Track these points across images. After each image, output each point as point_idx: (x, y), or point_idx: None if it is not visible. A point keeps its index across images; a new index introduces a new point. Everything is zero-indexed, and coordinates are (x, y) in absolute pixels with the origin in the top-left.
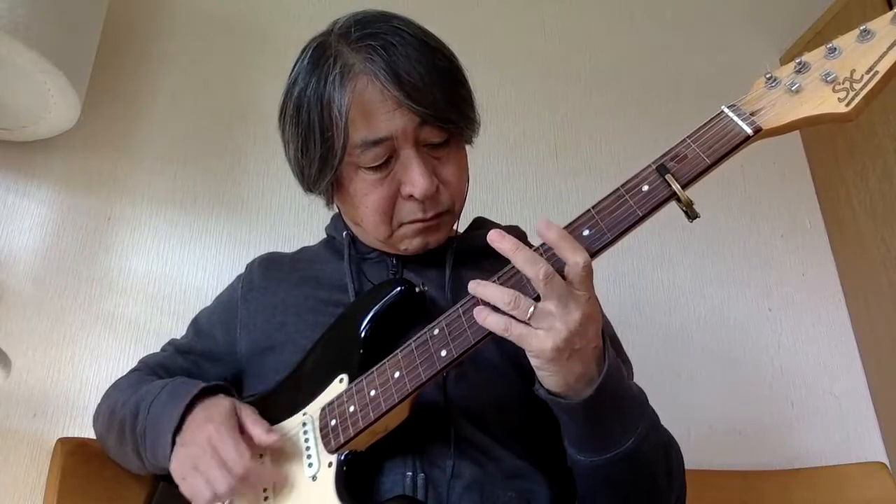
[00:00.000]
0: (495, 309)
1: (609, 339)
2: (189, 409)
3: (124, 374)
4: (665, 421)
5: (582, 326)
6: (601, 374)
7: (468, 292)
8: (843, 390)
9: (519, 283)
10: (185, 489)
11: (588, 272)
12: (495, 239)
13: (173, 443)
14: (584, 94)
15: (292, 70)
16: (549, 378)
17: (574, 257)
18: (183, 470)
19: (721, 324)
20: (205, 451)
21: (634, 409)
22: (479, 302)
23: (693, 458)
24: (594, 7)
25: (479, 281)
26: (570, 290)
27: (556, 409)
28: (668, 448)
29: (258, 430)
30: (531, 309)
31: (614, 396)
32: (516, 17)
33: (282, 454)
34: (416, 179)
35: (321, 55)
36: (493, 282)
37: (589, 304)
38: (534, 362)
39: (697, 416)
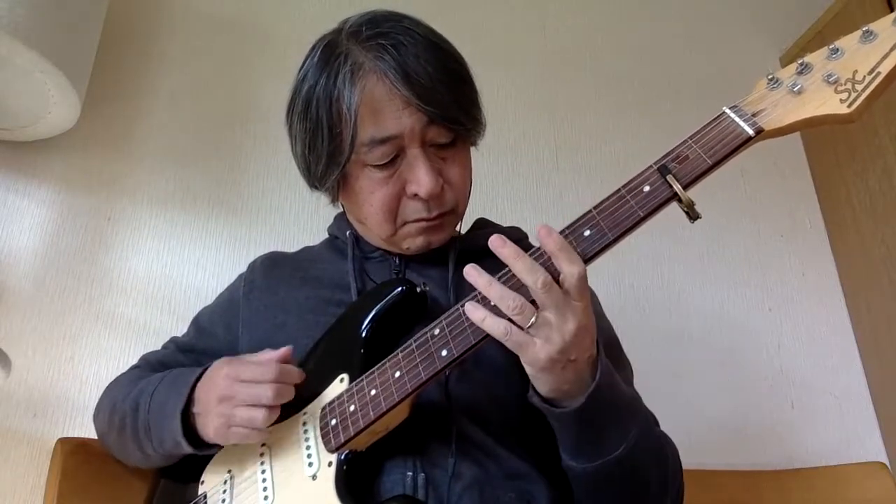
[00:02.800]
0: (493, 309)
1: (608, 343)
2: (193, 391)
3: (125, 371)
4: (665, 421)
5: (577, 337)
6: (592, 383)
7: (469, 292)
8: (843, 390)
9: (515, 287)
10: (237, 433)
11: (584, 282)
12: (497, 245)
13: (184, 424)
14: (584, 94)
15: (301, 67)
16: (542, 385)
17: (570, 268)
18: (223, 421)
19: (721, 324)
20: (230, 387)
21: (625, 417)
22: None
23: (693, 458)
24: (594, 7)
25: (480, 271)
26: (567, 300)
27: (549, 417)
28: (661, 452)
29: (262, 355)
30: (534, 318)
31: (605, 404)
32: (516, 17)
33: (282, 453)
34: (421, 179)
35: (331, 53)
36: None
37: (584, 314)
38: (528, 370)
39: (697, 415)
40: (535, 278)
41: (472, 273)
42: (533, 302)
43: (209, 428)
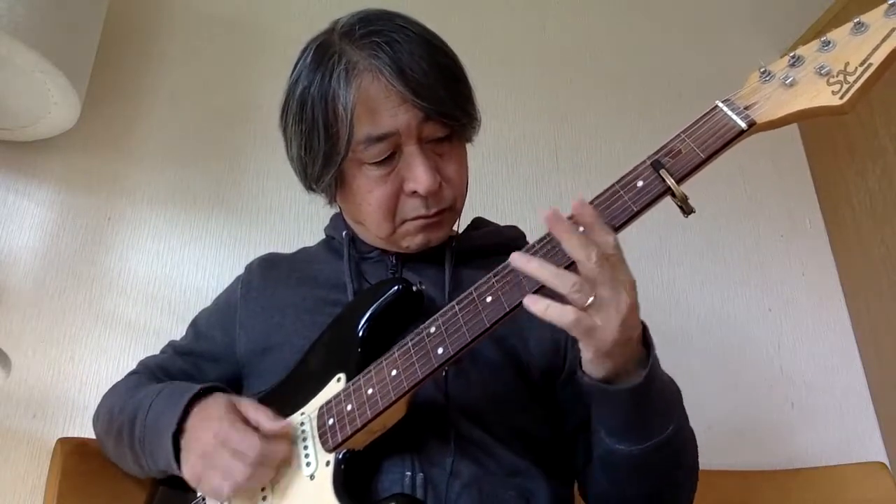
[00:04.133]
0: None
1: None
2: (187, 413)
3: (123, 376)
4: None
5: (631, 312)
6: (648, 359)
7: (466, 291)
8: (843, 390)
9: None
10: (204, 490)
11: (621, 252)
12: (552, 218)
13: (174, 446)
14: (584, 94)
15: (294, 68)
16: (600, 368)
17: (606, 237)
18: (197, 472)
19: (721, 324)
20: (214, 447)
21: (674, 397)
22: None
23: None
24: (594, 7)
25: (528, 257)
26: (616, 274)
27: (601, 397)
28: (693, 438)
29: (262, 416)
30: (592, 297)
31: (659, 382)
32: (516, 17)
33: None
34: (419, 176)
35: (324, 53)
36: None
37: (633, 287)
38: (588, 355)
39: (697, 416)
40: (589, 252)
41: (521, 259)
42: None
43: (185, 470)
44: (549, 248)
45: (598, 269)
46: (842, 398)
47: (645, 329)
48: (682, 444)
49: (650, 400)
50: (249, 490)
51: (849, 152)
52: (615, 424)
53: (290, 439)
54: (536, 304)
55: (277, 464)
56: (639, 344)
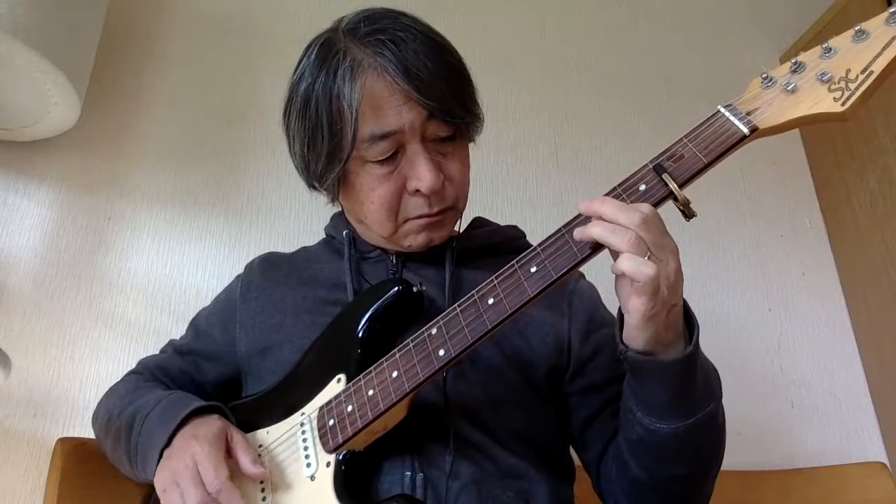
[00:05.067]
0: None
1: (612, 333)
2: (181, 426)
3: (123, 376)
4: None
5: (677, 277)
6: (694, 331)
7: (467, 292)
8: (843, 390)
9: None
10: (164, 501)
11: (661, 219)
12: (584, 204)
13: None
14: (584, 94)
15: (297, 66)
16: (641, 335)
17: (642, 206)
18: (164, 483)
19: (721, 324)
20: (186, 466)
21: (714, 370)
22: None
23: None
24: (594, 7)
25: (602, 199)
26: (661, 238)
27: (649, 370)
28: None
29: (246, 458)
30: (648, 255)
31: (702, 355)
32: (516, 17)
33: (280, 453)
34: (422, 174)
35: (329, 51)
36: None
37: (677, 253)
38: (634, 319)
39: None
40: (631, 216)
41: (584, 202)
42: None
43: (156, 478)
44: (558, 247)
45: (646, 232)
46: (842, 398)
47: (686, 303)
48: (719, 424)
49: (695, 374)
50: (249, 491)
51: (849, 152)
52: (658, 400)
53: (282, 454)
54: (622, 263)
55: None
56: (681, 316)
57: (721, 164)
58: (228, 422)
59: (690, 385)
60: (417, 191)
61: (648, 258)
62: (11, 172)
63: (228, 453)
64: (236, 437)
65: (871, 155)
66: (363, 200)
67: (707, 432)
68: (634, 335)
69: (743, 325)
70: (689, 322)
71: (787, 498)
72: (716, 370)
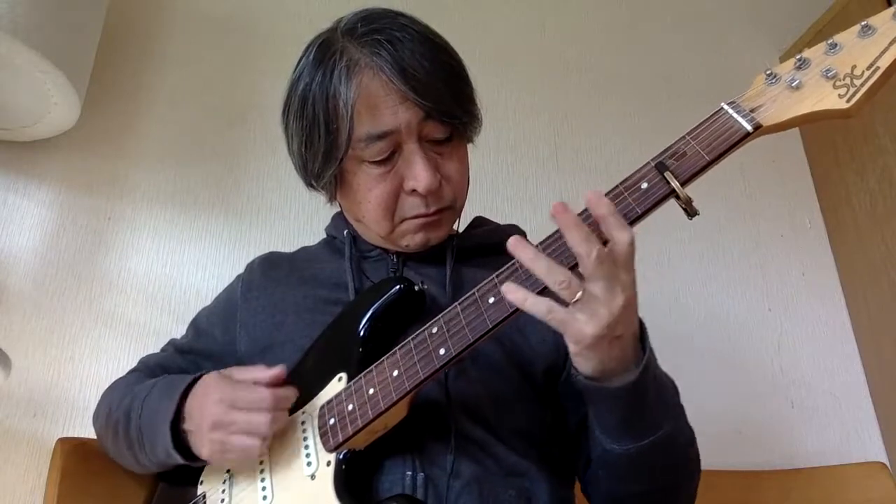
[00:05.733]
0: (531, 286)
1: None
2: (184, 400)
3: (123, 374)
4: None
5: (625, 312)
6: (643, 357)
7: (468, 290)
8: (843, 390)
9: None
10: (232, 458)
11: (633, 251)
12: (558, 208)
13: (174, 436)
14: (584, 94)
15: (296, 66)
16: (585, 363)
17: (621, 234)
18: (218, 447)
19: (721, 324)
20: (226, 412)
21: (668, 394)
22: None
23: None
24: (594, 7)
25: (525, 244)
26: (616, 274)
27: (596, 396)
28: (692, 435)
29: (255, 371)
30: (580, 293)
31: (654, 381)
32: (516, 17)
33: (281, 452)
34: (419, 174)
35: (327, 50)
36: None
37: (632, 287)
38: (572, 348)
39: (697, 415)
40: (590, 249)
41: (518, 245)
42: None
43: (204, 450)
44: (557, 246)
45: (596, 266)
46: (842, 398)
47: (643, 328)
48: (679, 444)
49: (644, 399)
50: (250, 490)
51: (849, 152)
52: (609, 423)
53: (282, 452)
54: (514, 294)
55: (290, 404)
56: (634, 343)
57: (721, 164)
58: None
59: (639, 411)
60: (414, 191)
61: (577, 300)
62: (11, 172)
63: None
64: (232, 370)
65: (871, 155)
66: (360, 200)
67: (664, 453)
68: (578, 361)
69: (743, 325)
70: (644, 344)
71: (787, 498)
72: (673, 387)
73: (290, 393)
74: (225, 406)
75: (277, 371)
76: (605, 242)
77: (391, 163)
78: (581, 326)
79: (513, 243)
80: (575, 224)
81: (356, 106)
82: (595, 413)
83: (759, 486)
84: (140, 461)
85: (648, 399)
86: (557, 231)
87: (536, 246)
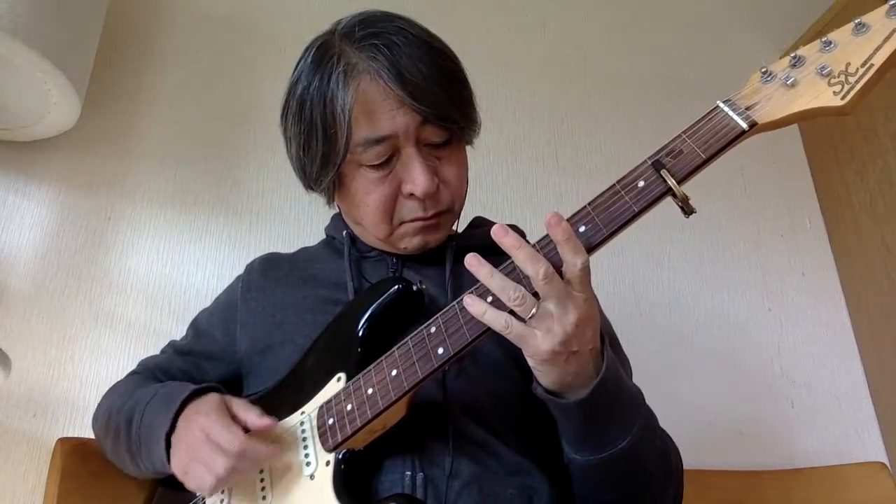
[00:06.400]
0: (494, 302)
1: (608, 338)
2: (180, 411)
3: (123, 376)
4: (664, 420)
5: (579, 329)
6: (599, 374)
7: (468, 290)
8: (843, 390)
9: (517, 279)
10: (189, 483)
11: (586, 273)
12: (498, 233)
13: (168, 446)
14: (583, 95)
15: (295, 69)
16: (545, 378)
17: (574, 258)
18: (182, 464)
19: (721, 324)
20: (199, 440)
21: (630, 410)
22: (475, 290)
23: (693, 457)
24: (594, 7)
25: (482, 261)
26: (568, 291)
27: (553, 408)
28: (664, 448)
29: (251, 415)
30: (535, 309)
31: (610, 397)
32: (516, 17)
33: (280, 452)
34: (416, 178)
35: (324, 54)
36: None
37: (587, 305)
38: (530, 361)
39: (697, 415)
40: (537, 268)
41: (474, 262)
42: (535, 294)
43: (175, 466)
44: (549, 250)
45: (544, 285)
46: (842, 398)
47: (604, 343)
48: (644, 456)
49: (602, 412)
50: (249, 490)
51: (849, 152)
52: (569, 434)
53: (280, 439)
54: (474, 306)
55: (261, 461)
56: (594, 358)
57: (721, 164)
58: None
59: (597, 424)
60: (412, 194)
61: (532, 315)
62: (11, 172)
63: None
64: (235, 402)
65: (871, 155)
66: (358, 203)
67: (626, 464)
68: (538, 374)
69: (743, 325)
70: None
71: (787, 498)
72: (635, 400)
73: (263, 451)
74: (202, 434)
75: (266, 423)
76: None
77: (389, 167)
78: (537, 342)
79: (469, 261)
80: (518, 246)
81: (354, 111)
82: (558, 423)
83: (759, 486)
84: (139, 466)
85: (604, 413)
86: (545, 237)
87: (533, 245)
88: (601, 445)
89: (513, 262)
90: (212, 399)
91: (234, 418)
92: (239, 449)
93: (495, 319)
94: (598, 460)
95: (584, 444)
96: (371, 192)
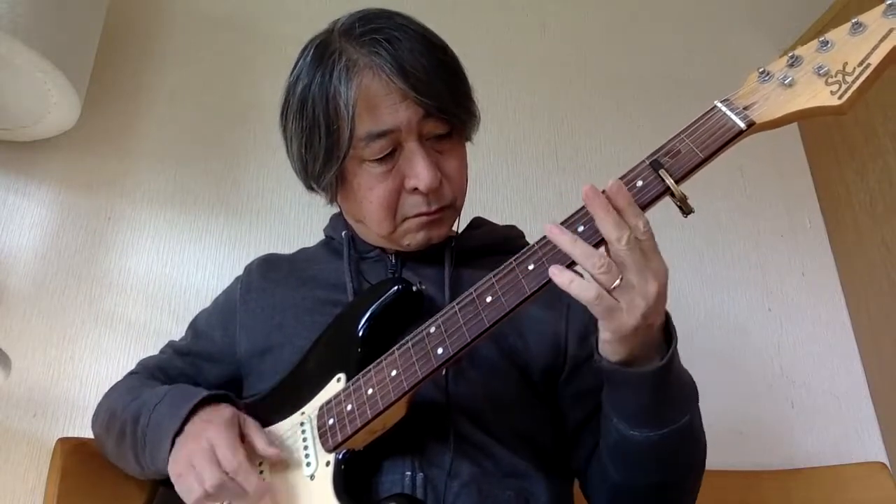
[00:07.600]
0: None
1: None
2: (191, 415)
3: (122, 377)
4: None
5: (658, 300)
6: (671, 344)
7: (467, 291)
8: (843, 390)
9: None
10: (178, 486)
11: (652, 236)
12: (588, 191)
13: (173, 446)
14: (583, 95)
15: (294, 68)
16: (616, 352)
17: (637, 221)
18: (179, 467)
19: (721, 324)
20: (202, 448)
21: (689, 387)
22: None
23: None
24: (594, 7)
25: (562, 229)
26: (646, 260)
27: (620, 380)
28: (705, 437)
29: (260, 441)
30: (618, 280)
31: (677, 369)
32: (516, 17)
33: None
34: (420, 172)
35: (325, 51)
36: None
37: (663, 274)
38: (607, 336)
39: None
40: (622, 234)
41: (555, 230)
42: None
43: (170, 465)
44: (548, 252)
45: (627, 252)
46: (842, 398)
47: (668, 318)
48: (696, 437)
49: (668, 386)
50: None
51: (849, 152)
52: (632, 410)
53: (280, 440)
54: (561, 276)
55: (250, 494)
56: (660, 332)
57: (721, 164)
58: (238, 409)
59: (663, 397)
60: (415, 189)
61: (616, 287)
62: (11, 172)
63: (242, 439)
64: (249, 421)
65: (871, 155)
66: (361, 200)
67: (682, 442)
68: (607, 349)
69: (743, 325)
70: (670, 332)
71: (787, 498)
72: (692, 382)
73: (254, 482)
74: (207, 445)
75: (274, 452)
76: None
77: (392, 161)
78: (623, 317)
79: (551, 229)
80: (607, 208)
81: (356, 105)
82: (618, 399)
83: (759, 486)
84: (142, 466)
85: (670, 388)
86: (575, 215)
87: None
88: (664, 420)
89: (578, 218)
90: (225, 411)
91: (243, 437)
92: (234, 468)
93: (584, 290)
94: (658, 436)
95: (647, 419)
96: (374, 188)
